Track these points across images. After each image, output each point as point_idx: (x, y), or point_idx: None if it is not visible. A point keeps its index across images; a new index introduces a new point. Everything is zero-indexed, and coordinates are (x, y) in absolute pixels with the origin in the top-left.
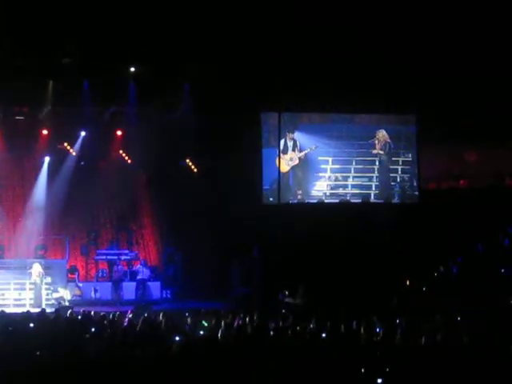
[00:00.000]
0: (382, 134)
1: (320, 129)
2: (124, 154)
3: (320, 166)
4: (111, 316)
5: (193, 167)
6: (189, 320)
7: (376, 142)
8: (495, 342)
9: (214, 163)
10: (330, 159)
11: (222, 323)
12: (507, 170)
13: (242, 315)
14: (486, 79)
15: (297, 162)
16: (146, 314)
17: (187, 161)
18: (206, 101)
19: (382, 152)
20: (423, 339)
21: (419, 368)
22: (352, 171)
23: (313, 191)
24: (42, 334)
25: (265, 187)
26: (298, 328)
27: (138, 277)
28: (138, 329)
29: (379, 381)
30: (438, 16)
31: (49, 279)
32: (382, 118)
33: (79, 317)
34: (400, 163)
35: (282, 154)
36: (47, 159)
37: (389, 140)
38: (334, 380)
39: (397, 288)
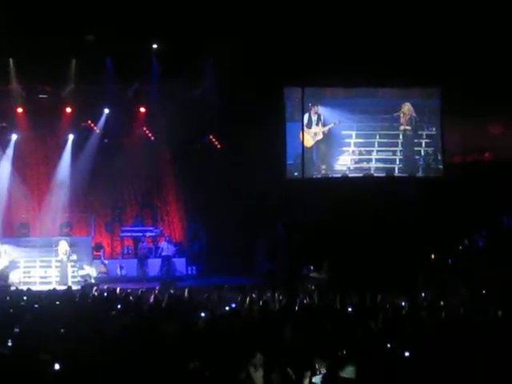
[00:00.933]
0: (408, 108)
1: (343, 103)
2: (147, 131)
3: (344, 141)
4: (137, 293)
5: (216, 143)
6: (214, 296)
7: (401, 115)
8: None
9: (238, 139)
10: (354, 133)
11: (247, 299)
12: None
13: (268, 291)
14: (510, 52)
15: (321, 136)
16: (171, 291)
17: (211, 137)
18: (228, 76)
19: (407, 126)
20: (448, 313)
21: (445, 341)
22: (376, 145)
23: (336, 165)
24: (68, 311)
25: (289, 162)
26: (323, 303)
27: (163, 253)
28: (163, 305)
29: (407, 354)
30: None
31: (74, 257)
32: (405, 92)
33: (105, 294)
34: (424, 137)
35: (306, 129)
36: (71, 137)
37: (414, 114)
38: (360, 354)
39: (422, 262)
